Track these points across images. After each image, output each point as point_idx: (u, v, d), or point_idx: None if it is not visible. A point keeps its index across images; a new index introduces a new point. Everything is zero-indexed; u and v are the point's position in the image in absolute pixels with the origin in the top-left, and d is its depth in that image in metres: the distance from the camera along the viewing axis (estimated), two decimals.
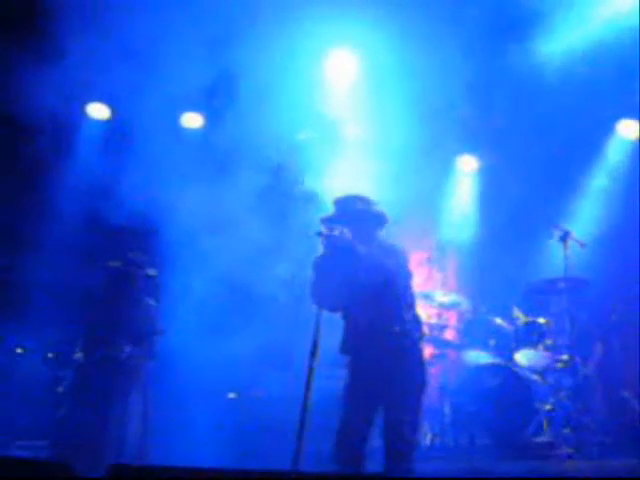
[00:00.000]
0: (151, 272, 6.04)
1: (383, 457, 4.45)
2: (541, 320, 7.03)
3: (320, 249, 4.57)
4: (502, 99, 6.75)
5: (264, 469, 2.91)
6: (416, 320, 4.69)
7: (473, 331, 7.34)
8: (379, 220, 4.78)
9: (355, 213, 4.66)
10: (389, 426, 4.46)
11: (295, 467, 3.96)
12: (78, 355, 5.63)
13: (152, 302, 6.10)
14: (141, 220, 6.67)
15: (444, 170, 8.13)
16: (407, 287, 4.67)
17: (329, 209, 4.81)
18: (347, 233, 4.45)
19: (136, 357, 5.68)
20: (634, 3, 6.10)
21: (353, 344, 4.63)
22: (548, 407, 6.60)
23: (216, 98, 7.10)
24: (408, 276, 4.68)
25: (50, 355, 5.85)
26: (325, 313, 4.52)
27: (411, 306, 4.68)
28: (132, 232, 6.75)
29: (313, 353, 4.47)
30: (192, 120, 7.97)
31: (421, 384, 4.56)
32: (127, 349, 5.64)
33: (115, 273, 5.90)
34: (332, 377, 4.89)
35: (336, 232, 4.43)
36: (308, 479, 3.07)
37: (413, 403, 4.49)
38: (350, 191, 4.87)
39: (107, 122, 7.75)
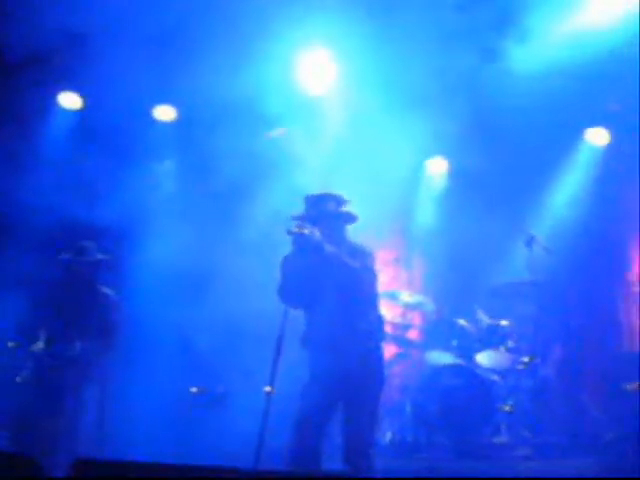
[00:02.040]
0: (99, 257, 5.74)
1: (342, 454, 4.50)
2: (503, 322, 7.09)
3: (289, 247, 4.60)
4: (473, 103, 6.80)
5: (224, 466, 2.91)
6: (380, 321, 4.76)
7: (436, 331, 7.41)
8: (349, 220, 4.81)
9: (326, 212, 4.69)
10: (348, 423, 4.52)
11: (256, 465, 3.99)
12: (37, 346, 5.51)
13: (108, 291, 5.83)
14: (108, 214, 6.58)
15: (415, 170, 8.17)
16: (372, 288, 4.72)
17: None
18: (317, 232, 4.47)
19: (89, 351, 5.51)
20: (606, 13, 6.19)
21: (317, 341, 4.65)
22: (507, 408, 6.68)
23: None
24: (374, 277, 4.73)
25: (11, 344, 5.71)
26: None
27: (375, 307, 4.75)
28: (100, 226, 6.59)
29: (278, 349, 4.53)
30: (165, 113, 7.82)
31: (380, 383, 4.65)
32: (77, 345, 5.46)
33: (62, 265, 5.70)
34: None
35: (306, 231, 4.44)
36: (268, 477, 3.08)
37: (372, 402, 4.58)
38: (322, 189, 4.91)
39: (78, 112, 7.61)
